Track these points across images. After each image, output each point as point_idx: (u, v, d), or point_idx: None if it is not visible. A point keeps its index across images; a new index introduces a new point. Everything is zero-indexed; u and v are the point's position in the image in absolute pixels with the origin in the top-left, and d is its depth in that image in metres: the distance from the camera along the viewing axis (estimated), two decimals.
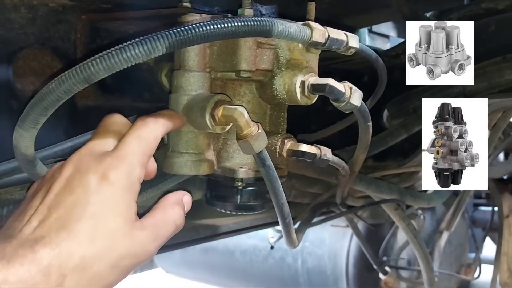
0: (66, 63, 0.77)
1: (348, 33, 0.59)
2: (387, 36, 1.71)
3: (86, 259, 0.42)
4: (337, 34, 0.58)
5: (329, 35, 0.56)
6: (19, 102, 0.71)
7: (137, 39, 0.43)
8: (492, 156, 1.61)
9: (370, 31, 1.59)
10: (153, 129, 0.51)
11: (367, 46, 1.49)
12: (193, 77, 0.59)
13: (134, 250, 0.46)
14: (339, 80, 0.93)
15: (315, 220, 1.06)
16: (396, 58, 1.12)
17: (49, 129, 0.75)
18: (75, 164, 0.47)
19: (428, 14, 1.25)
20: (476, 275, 1.87)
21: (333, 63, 1.11)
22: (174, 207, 0.52)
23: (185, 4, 0.67)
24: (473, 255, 2.05)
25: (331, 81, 0.57)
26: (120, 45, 0.43)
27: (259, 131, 0.55)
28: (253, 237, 1.64)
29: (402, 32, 1.73)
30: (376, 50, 1.28)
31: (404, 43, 1.13)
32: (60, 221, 0.43)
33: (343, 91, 0.58)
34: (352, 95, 0.58)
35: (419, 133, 1.08)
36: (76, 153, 0.49)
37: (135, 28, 0.80)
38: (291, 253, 1.69)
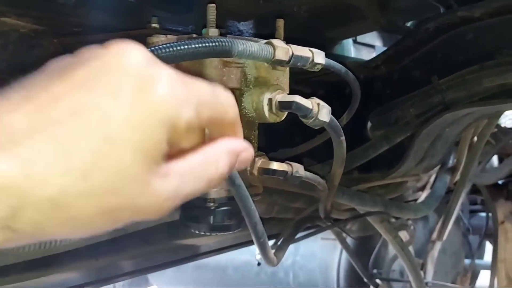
0: None
1: (314, 50, 0.59)
2: (372, 46, 1.71)
3: (67, 196, 0.27)
4: (302, 51, 0.57)
5: (293, 53, 0.56)
6: None
7: None
8: (482, 162, 1.61)
9: (355, 41, 1.59)
10: (230, 106, 0.36)
11: (353, 57, 1.49)
12: None
13: (141, 204, 0.30)
14: (322, 92, 0.92)
15: (302, 234, 1.05)
16: (376, 69, 1.12)
17: None
18: (126, 51, 0.31)
19: (408, 24, 1.26)
20: (472, 283, 1.85)
21: (315, 75, 1.11)
22: (221, 158, 0.35)
23: (153, 25, 0.68)
24: (474, 262, 2.03)
25: (297, 98, 0.57)
26: None
27: None
28: (245, 252, 1.62)
29: (387, 42, 1.73)
30: (357, 61, 1.29)
31: (384, 53, 1.14)
32: (56, 125, 0.27)
33: (310, 107, 0.57)
34: (320, 111, 0.58)
35: (403, 143, 1.08)
36: (138, 44, 0.32)
37: None
38: (283, 267, 1.68)
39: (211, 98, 0.34)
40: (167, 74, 0.31)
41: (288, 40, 0.62)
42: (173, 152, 0.33)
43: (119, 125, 0.29)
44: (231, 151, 0.36)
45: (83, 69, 0.30)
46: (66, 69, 0.30)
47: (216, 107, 0.34)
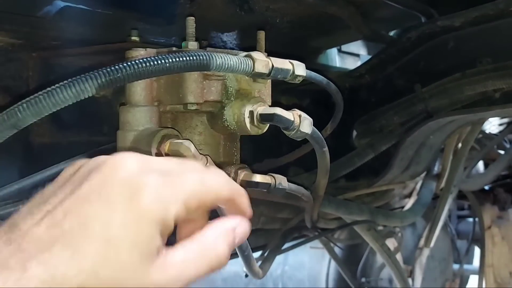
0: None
1: (294, 62, 0.59)
2: (357, 55, 1.72)
3: None
4: (282, 63, 0.57)
5: (273, 65, 0.56)
6: None
7: (65, 82, 0.43)
8: (468, 168, 1.62)
9: (339, 50, 1.60)
10: (220, 187, 0.40)
11: (337, 66, 1.50)
12: (139, 112, 0.58)
13: None
14: (309, 101, 0.90)
15: (289, 245, 1.04)
16: (360, 78, 1.13)
17: (1, 170, 0.73)
18: (119, 164, 0.38)
19: (391, 33, 1.27)
20: None
21: (301, 85, 1.11)
22: (218, 241, 0.39)
23: (133, 38, 0.67)
24: (462, 268, 2.03)
25: (278, 110, 0.56)
26: (48, 89, 0.42)
27: (207, 164, 0.55)
28: (234, 263, 1.61)
29: (372, 50, 1.74)
30: (342, 71, 1.29)
31: (368, 62, 1.14)
32: (69, 235, 0.35)
33: (292, 119, 0.57)
34: (302, 123, 0.58)
35: (389, 151, 1.08)
36: (131, 154, 0.40)
37: (89, 61, 0.80)
38: (272, 278, 1.67)
39: (200, 188, 0.39)
40: (154, 181, 0.37)
41: (272, 50, 0.61)
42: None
43: (116, 229, 0.36)
44: (227, 230, 0.40)
45: (86, 183, 0.37)
46: (75, 183, 0.38)
47: (206, 194, 0.39)
